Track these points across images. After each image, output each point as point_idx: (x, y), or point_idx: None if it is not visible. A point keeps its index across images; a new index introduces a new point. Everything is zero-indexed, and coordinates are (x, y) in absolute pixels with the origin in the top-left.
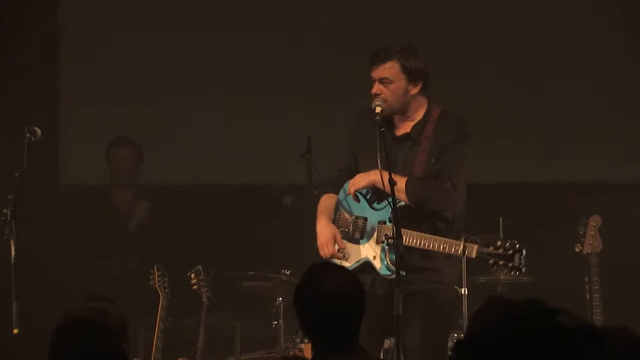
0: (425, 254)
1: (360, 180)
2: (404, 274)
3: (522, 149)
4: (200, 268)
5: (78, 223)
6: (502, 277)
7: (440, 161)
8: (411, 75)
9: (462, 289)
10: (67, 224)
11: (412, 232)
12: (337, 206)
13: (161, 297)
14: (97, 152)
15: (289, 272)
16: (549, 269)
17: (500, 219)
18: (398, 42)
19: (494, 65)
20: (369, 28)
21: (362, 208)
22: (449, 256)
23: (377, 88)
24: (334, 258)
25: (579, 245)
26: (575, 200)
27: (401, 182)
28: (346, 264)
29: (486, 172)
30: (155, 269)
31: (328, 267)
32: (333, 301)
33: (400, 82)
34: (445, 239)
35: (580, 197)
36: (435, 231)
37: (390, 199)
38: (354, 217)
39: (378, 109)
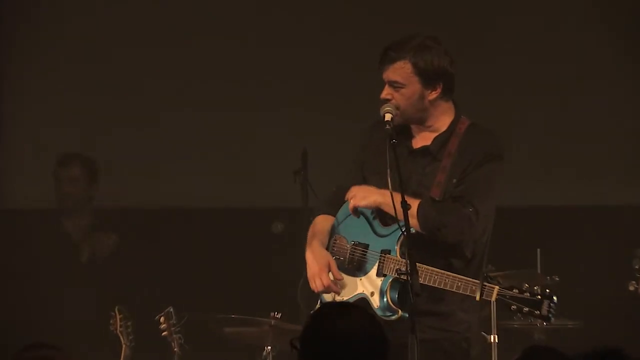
0: (432, 295)
1: (364, 197)
2: (406, 315)
3: (561, 168)
4: (172, 310)
5: (21, 254)
6: (538, 322)
7: (462, 182)
8: (427, 77)
9: (491, 336)
10: (7, 254)
11: (420, 265)
12: (333, 229)
13: (124, 346)
14: (45, 171)
15: (279, 316)
16: (596, 311)
17: (538, 250)
18: (417, 31)
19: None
20: (367, 30)
21: (363, 232)
22: (463, 299)
23: (386, 92)
24: (328, 292)
25: (633, 282)
26: (629, 227)
27: (413, 204)
28: (338, 299)
29: (520, 194)
30: (116, 311)
31: (345, 306)
32: (354, 346)
33: (414, 85)
34: (461, 277)
35: (637, 223)
36: (448, 269)
37: (401, 224)
38: (352, 243)
39: (388, 117)
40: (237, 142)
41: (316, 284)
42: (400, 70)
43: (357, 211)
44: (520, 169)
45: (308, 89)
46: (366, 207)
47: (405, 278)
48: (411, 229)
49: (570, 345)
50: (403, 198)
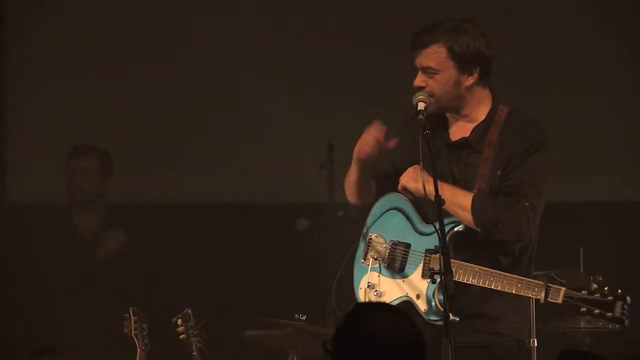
0: (482, 295)
1: (416, 180)
2: (457, 319)
3: (605, 163)
4: (190, 312)
5: (28, 251)
6: (582, 323)
7: (511, 176)
8: (463, 62)
9: (531, 340)
10: (15, 252)
11: (472, 266)
12: (366, 229)
13: (139, 350)
14: (53, 166)
15: (304, 318)
16: None
17: (581, 249)
18: (451, 14)
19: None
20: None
21: (402, 230)
22: (514, 299)
23: (420, 79)
24: (380, 150)
25: None
26: None
27: (465, 198)
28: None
29: (562, 189)
30: (130, 313)
31: (381, 307)
32: (387, 350)
33: (449, 71)
34: (521, 278)
35: None
36: (495, 267)
37: (450, 220)
38: (391, 242)
39: (421, 106)
40: (259, 136)
41: (366, 143)
42: (434, 55)
43: (406, 190)
44: (562, 164)
45: (335, 80)
46: (414, 191)
47: (440, 277)
48: (461, 226)
49: (613, 349)
50: (437, 192)
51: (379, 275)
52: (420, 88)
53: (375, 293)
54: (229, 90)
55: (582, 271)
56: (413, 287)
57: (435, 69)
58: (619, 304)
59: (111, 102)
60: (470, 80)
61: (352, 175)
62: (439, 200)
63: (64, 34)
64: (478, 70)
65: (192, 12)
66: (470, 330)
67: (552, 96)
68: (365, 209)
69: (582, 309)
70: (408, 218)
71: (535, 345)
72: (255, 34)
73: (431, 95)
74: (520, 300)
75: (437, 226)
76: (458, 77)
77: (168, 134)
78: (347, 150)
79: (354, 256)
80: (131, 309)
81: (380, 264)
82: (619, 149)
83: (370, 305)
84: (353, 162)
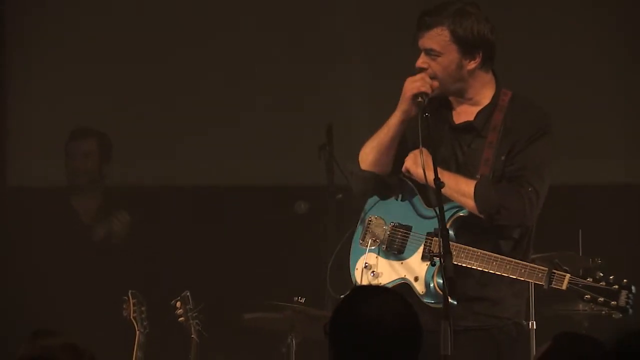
0: (482, 279)
1: (418, 165)
2: (455, 303)
3: (602, 142)
4: (188, 294)
5: (28, 234)
6: (580, 306)
7: (515, 161)
8: (466, 45)
9: (529, 322)
10: (14, 235)
11: (475, 250)
12: (364, 213)
13: (137, 332)
14: (52, 149)
15: (303, 300)
16: None
17: (580, 231)
18: None
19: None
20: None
21: (403, 213)
22: (512, 282)
23: (422, 61)
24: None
25: None
26: None
27: (467, 186)
28: (374, 283)
29: (561, 171)
30: (129, 296)
31: (377, 290)
32: (382, 333)
33: (452, 54)
34: (525, 264)
35: None
36: (496, 251)
37: (451, 206)
38: (391, 224)
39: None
40: (255, 117)
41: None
42: (437, 38)
43: (409, 173)
44: (563, 146)
45: (333, 57)
46: (415, 176)
47: (440, 260)
48: (464, 210)
49: (611, 332)
50: (436, 175)
51: (377, 257)
52: (422, 69)
53: (372, 274)
54: (226, 74)
55: (580, 254)
56: (411, 270)
57: (438, 51)
58: (623, 293)
59: (111, 96)
60: (472, 64)
61: (382, 132)
62: (438, 183)
63: (64, 34)
64: (481, 54)
65: (191, 13)
66: (470, 313)
67: (552, 79)
68: (371, 181)
69: (586, 296)
70: (410, 201)
71: (534, 327)
72: (254, 20)
73: (433, 77)
74: (518, 283)
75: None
76: (460, 61)
77: (166, 117)
78: (350, 130)
79: (352, 238)
80: (130, 291)
81: (379, 246)
82: (619, 132)
83: (366, 288)
84: (397, 110)
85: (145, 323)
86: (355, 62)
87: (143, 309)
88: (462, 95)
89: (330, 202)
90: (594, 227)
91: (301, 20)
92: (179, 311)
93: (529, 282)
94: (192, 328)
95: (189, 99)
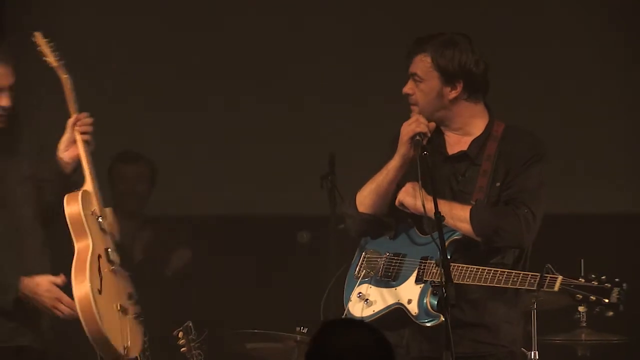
0: (476, 304)
1: (414, 196)
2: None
3: (603, 172)
4: (191, 324)
5: None
6: (583, 336)
7: (510, 185)
8: (447, 74)
9: (531, 352)
10: None
11: (466, 266)
12: (362, 245)
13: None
14: None
15: (305, 330)
16: None
17: (582, 260)
18: (449, 29)
19: None
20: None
21: (400, 243)
22: (509, 310)
23: (409, 87)
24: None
25: None
26: None
27: (463, 211)
28: (368, 312)
29: (563, 201)
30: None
31: (347, 322)
32: None
33: (432, 81)
34: (517, 272)
35: None
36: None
37: (443, 232)
38: (386, 254)
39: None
40: (259, 147)
41: (415, 123)
42: (420, 64)
43: (403, 206)
44: (563, 175)
45: (334, 91)
46: (411, 208)
47: (442, 288)
48: (457, 234)
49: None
50: (436, 209)
51: (369, 287)
52: (408, 95)
53: (366, 302)
54: (226, 98)
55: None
56: (405, 293)
57: (420, 76)
58: (615, 290)
59: (112, 101)
60: (453, 94)
61: (381, 176)
62: (439, 216)
63: (64, 34)
64: (462, 84)
65: (192, 14)
66: (466, 340)
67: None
68: (369, 223)
69: (578, 296)
70: (406, 233)
71: (537, 357)
72: (257, 41)
73: (414, 104)
74: (514, 311)
75: (434, 237)
76: (441, 88)
77: (168, 146)
78: (349, 161)
79: (348, 270)
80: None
81: (373, 277)
82: (620, 159)
83: (335, 321)
84: (396, 154)
85: (147, 353)
86: (357, 93)
87: (145, 339)
88: (448, 125)
89: (332, 232)
90: (597, 256)
91: (303, 56)
92: (182, 341)
93: (523, 310)
94: (195, 358)
95: (188, 130)
